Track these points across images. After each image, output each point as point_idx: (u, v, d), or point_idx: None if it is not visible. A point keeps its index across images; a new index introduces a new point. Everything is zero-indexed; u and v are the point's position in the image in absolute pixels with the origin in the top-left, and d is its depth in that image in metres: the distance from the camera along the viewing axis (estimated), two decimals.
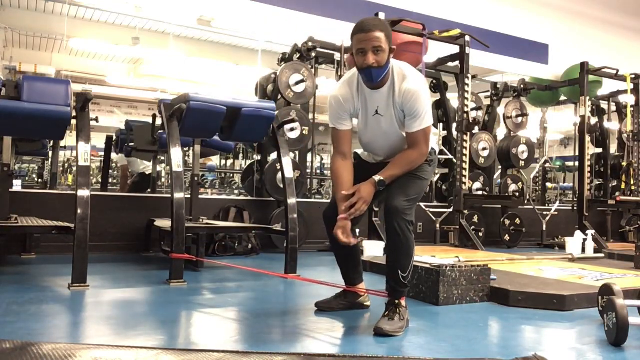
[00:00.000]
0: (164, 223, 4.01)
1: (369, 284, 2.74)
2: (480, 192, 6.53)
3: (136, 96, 11.22)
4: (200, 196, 4.50)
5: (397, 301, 2.31)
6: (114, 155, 6.82)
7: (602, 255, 5.15)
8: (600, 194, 7.60)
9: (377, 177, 2.26)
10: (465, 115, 5.63)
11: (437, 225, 5.82)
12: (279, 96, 5.36)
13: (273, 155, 5.58)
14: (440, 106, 6.68)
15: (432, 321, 2.56)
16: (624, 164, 7.34)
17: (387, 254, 2.38)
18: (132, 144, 5.11)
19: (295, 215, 3.74)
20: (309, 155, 6.47)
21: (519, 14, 7.44)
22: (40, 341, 1.85)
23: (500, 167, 7.05)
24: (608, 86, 7.32)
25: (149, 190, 5.85)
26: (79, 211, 2.97)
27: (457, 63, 5.76)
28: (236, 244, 4.76)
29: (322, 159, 11.20)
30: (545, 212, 6.91)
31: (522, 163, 6.82)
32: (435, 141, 2.51)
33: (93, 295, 2.84)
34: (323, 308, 2.60)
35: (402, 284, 2.32)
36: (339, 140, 2.42)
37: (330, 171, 2.49)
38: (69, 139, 5.78)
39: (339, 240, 2.26)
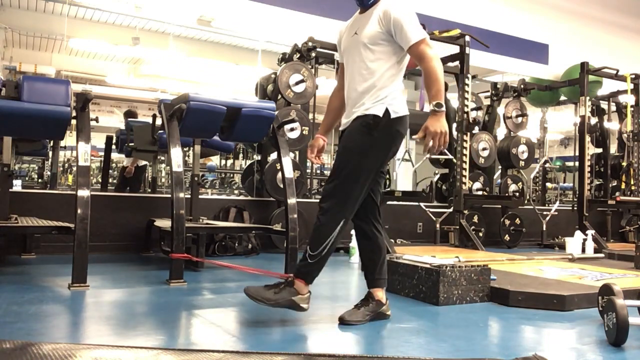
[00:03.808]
0: (164, 223, 4.01)
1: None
2: (480, 192, 6.53)
3: (136, 96, 11.22)
4: (200, 196, 4.50)
5: (290, 279, 2.34)
6: (115, 155, 6.84)
7: (602, 255, 5.15)
8: (600, 194, 7.60)
9: (431, 106, 2.20)
10: (465, 115, 5.63)
11: (437, 225, 5.82)
12: (279, 96, 5.36)
13: (273, 155, 5.58)
14: None
15: (432, 321, 2.56)
16: (624, 164, 7.33)
17: None
18: (132, 144, 5.11)
19: (295, 215, 3.74)
20: None
21: (519, 14, 7.44)
22: (40, 341, 1.85)
23: (500, 167, 7.05)
24: (608, 86, 7.32)
25: (149, 190, 5.86)
26: (79, 211, 2.97)
27: (457, 63, 5.76)
28: (236, 244, 4.76)
29: None
30: (545, 212, 6.91)
31: (522, 163, 6.81)
32: (398, 100, 2.36)
33: (93, 295, 2.84)
34: (348, 322, 2.36)
35: (303, 263, 2.34)
36: (339, 74, 2.60)
37: None
38: (69, 139, 5.78)
39: (308, 157, 2.59)
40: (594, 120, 7.35)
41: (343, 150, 2.37)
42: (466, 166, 5.63)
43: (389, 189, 5.29)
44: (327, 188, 2.37)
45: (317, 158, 2.60)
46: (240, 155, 9.74)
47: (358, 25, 2.39)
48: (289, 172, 3.89)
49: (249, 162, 7.94)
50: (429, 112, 2.21)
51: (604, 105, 7.76)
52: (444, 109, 2.18)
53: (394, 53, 2.34)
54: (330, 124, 2.65)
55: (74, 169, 6.79)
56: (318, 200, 2.40)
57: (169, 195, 3.34)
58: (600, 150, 7.71)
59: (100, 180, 7.17)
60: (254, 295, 2.25)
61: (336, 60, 5.67)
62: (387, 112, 2.31)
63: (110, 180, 8.35)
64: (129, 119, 6.21)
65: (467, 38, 5.68)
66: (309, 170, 6.58)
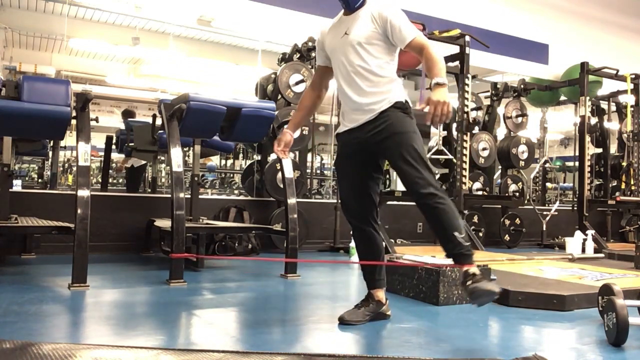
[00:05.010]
0: (164, 223, 4.01)
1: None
2: (480, 192, 6.53)
3: (136, 96, 11.22)
4: (200, 196, 4.50)
5: (467, 270, 2.17)
6: (115, 155, 6.85)
7: (602, 255, 5.15)
8: (600, 194, 7.59)
9: (433, 80, 2.18)
10: (465, 115, 5.63)
11: None
12: (279, 96, 5.36)
13: (273, 155, 5.58)
14: None
15: (432, 321, 2.56)
16: (624, 164, 7.33)
17: (434, 230, 2.34)
18: (132, 144, 5.11)
19: (295, 215, 3.74)
20: (309, 155, 6.47)
21: (519, 14, 7.44)
22: (40, 341, 1.85)
23: (500, 167, 7.04)
24: (608, 86, 7.32)
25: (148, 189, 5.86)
26: (79, 211, 2.97)
27: (457, 63, 5.76)
28: (236, 244, 4.76)
29: (322, 159, 11.19)
30: (545, 212, 6.91)
31: (522, 163, 6.81)
32: (404, 92, 2.42)
33: (93, 295, 2.84)
34: (348, 322, 2.36)
35: (462, 246, 2.19)
36: (316, 74, 2.65)
37: None
38: (69, 139, 5.78)
39: (274, 150, 2.62)
40: (594, 120, 7.34)
41: (399, 136, 2.29)
42: (466, 166, 5.63)
43: (389, 189, 5.30)
44: (415, 175, 2.24)
45: (283, 153, 2.63)
46: (240, 155, 9.74)
47: (347, 26, 2.39)
48: (289, 172, 3.89)
49: (249, 162, 7.94)
50: (432, 86, 2.18)
51: (604, 105, 7.75)
52: (446, 83, 2.17)
53: (388, 52, 2.37)
54: (300, 121, 2.71)
55: (74, 169, 6.79)
56: (413, 192, 2.25)
57: (169, 195, 3.34)
58: (600, 150, 7.70)
59: (100, 180, 7.17)
60: (491, 289, 2.08)
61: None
62: (405, 101, 2.37)
63: (110, 180, 8.36)
64: (129, 119, 6.21)
65: (467, 38, 5.67)
66: (308, 170, 6.58)
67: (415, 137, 2.32)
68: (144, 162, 6.43)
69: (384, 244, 2.42)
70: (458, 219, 2.24)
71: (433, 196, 2.22)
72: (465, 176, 5.63)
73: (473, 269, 2.18)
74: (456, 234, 2.19)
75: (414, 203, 2.32)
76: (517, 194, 6.70)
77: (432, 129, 6.45)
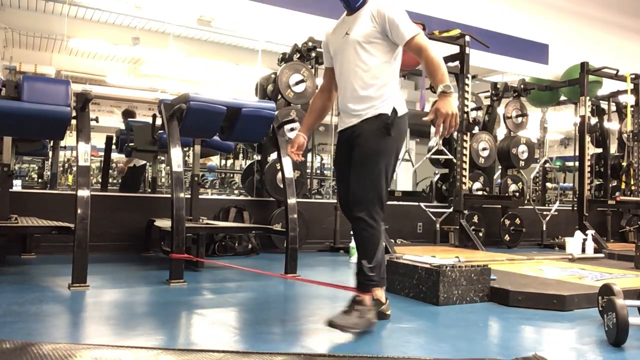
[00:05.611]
0: (164, 223, 4.01)
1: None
2: (480, 192, 6.53)
3: (136, 96, 11.23)
4: (200, 196, 4.50)
5: (358, 297, 2.29)
6: (115, 155, 6.84)
7: (602, 255, 5.15)
8: (600, 194, 7.59)
9: (439, 89, 2.17)
10: (465, 115, 5.63)
11: (437, 225, 5.81)
12: (279, 96, 5.36)
13: (273, 155, 5.58)
14: None
15: (432, 321, 2.56)
16: (624, 164, 7.33)
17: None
18: (132, 144, 5.11)
19: (295, 215, 3.74)
20: (309, 155, 6.47)
21: (519, 14, 7.44)
22: (40, 341, 1.85)
23: (500, 167, 7.05)
24: (608, 86, 7.32)
25: (148, 188, 5.86)
26: (79, 211, 2.97)
27: (457, 63, 5.76)
28: (236, 244, 4.76)
29: (322, 159, 11.18)
30: (545, 212, 6.91)
31: (522, 163, 6.81)
32: (400, 98, 2.41)
33: (93, 295, 2.84)
34: None
35: (365, 275, 2.30)
36: (324, 76, 2.64)
37: None
38: (69, 139, 5.78)
39: (288, 152, 2.59)
40: (594, 120, 7.35)
41: (365, 153, 2.32)
42: (466, 166, 5.63)
43: (389, 189, 5.31)
44: (358, 194, 2.31)
45: (297, 155, 2.61)
46: (240, 155, 9.74)
47: (348, 27, 2.40)
48: (289, 172, 3.89)
49: (249, 162, 7.95)
50: (438, 95, 2.17)
51: (604, 105, 7.76)
52: (452, 90, 2.18)
53: (388, 51, 2.36)
54: (312, 123, 2.71)
55: (74, 169, 6.79)
56: (351, 209, 2.34)
57: (169, 195, 3.34)
58: (600, 150, 7.71)
59: (100, 180, 7.17)
60: (344, 325, 2.17)
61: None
62: (394, 110, 2.34)
63: (110, 180, 8.36)
64: (129, 119, 6.21)
65: (467, 38, 5.67)
66: (308, 170, 6.58)
67: (381, 159, 2.32)
68: (144, 161, 6.43)
69: (383, 243, 2.42)
70: (375, 249, 2.31)
71: (361, 221, 2.30)
72: (465, 176, 5.63)
73: (361, 298, 2.28)
74: (364, 262, 2.31)
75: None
76: (517, 194, 6.70)
77: (432, 128, 6.45)
